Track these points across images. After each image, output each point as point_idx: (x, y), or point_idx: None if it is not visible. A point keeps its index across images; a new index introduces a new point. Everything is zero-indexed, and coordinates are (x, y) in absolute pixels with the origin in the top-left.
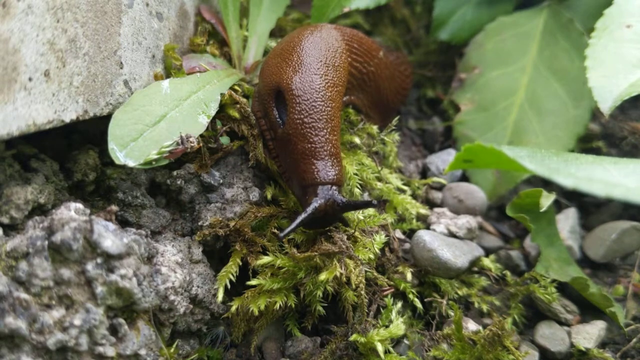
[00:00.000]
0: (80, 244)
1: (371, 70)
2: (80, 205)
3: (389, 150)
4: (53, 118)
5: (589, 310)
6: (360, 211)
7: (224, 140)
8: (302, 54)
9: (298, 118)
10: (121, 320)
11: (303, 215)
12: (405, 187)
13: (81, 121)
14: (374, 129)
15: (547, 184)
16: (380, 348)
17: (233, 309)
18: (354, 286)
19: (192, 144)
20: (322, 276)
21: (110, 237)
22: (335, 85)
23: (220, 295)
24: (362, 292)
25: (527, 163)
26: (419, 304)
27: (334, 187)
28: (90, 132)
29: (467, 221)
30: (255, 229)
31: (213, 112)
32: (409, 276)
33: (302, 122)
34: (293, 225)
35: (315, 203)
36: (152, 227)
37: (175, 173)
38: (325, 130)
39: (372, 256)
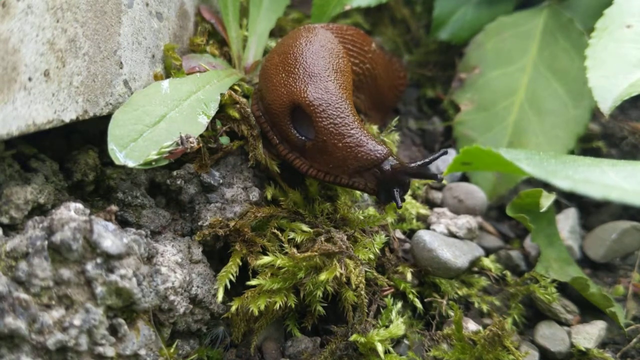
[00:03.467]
0: (80, 244)
1: (367, 67)
2: (80, 205)
3: None
4: (53, 118)
5: (589, 310)
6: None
7: (224, 140)
8: (308, 65)
9: (329, 123)
10: (121, 321)
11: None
12: None
13: (81, 121)
14: (374, 129)
15: (547, 184)
16: (380, 348)
17: (233, 309)
18: (354, 286)
19: (192, 144)
20: (322, 276)
21: (110, 237)
22: (346, 88)
23: (220, 296)
24: (362, 292)
25: (525, 165)
26: (419, 304)
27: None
28: (90, 132)
29: (467, 221)
30: (255, 229)
31: (213, 112)
32: (409, 276)
33: (334, 125)
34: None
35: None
36: (152, 227)
37: (175, 173)
38: (355, 123)
39: (372, 256)
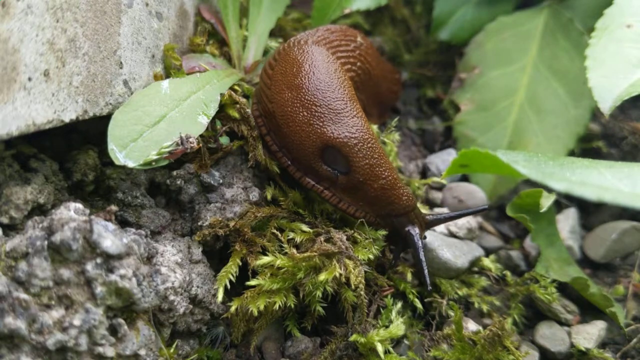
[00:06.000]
0: (79, 244)
1: (359, 65)
2: (79, 205)
3: (389, 150)
4: (52, 118)
5: (589, 311)
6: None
7: (224, 140)
8: (328, 101)
9: (366, 163)
10: (121, 321)
11: (421, 254)
12: None
13: (81, 121)
14: (374, 128)
15: None
16: (380, 348)
17: (232, 309)
18: (353, 286)
19: (191, 144)
20: (322, 276)
21: (109, 237)
22: (363, 116)
23: (220, 296)
24: (362, 293)
25: (521, 168)
26: (419, 304)
27: (416, 210)
28: (90, 132)
29: (467, 221)
30: (255, 229)
31: (213, 112)
32: (409, 276)
33: (370, 166)
34: (427, 278)
35: (416, 236)
36: (151, 227)
37: (175, 173)
38: (387, 163)
39: (371, 257)
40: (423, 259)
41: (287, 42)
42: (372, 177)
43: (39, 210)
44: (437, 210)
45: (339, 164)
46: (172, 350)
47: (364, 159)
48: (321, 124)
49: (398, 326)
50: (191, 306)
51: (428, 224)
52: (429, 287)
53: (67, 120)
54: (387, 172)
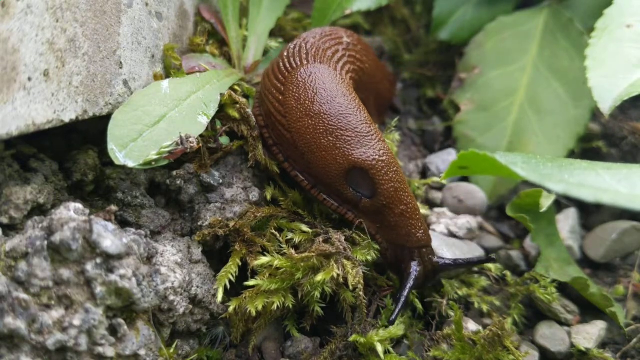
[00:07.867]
0: (79, 244)
1: (353, 68)
2: (79, 205)
3: None
4: (52, 118)
5: (589, 311)
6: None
7: (224, 140)
8: (352, 125)
9: (391, 186)
10: (120, 321)
11: (405, 293)
12: None
13: (81, 121)
14: None
15: None
16: (380, 348)
17: (231, 309)
18: (351, 287)
19: (191, 144)
20: (319, 277)
21: (109, 237)
22: (385, 140)
23: (219, 296)
24: (360, 293)
25: (520, 170)
26: (419, 304)
27: (429, 248)
28: (90, 132)
29: (467, 221)
30: (255, 229)
31: (213, 112)
32: None
33: (395, 189)
34: (402, 302)
35: (414, 273)
36: (151, 227)
37: (174, 173)
38: (409, 188)
39: (369, 258)
40: (404, 297)
41: (286, 59)
42: (396, 201)
43: (39, 210)
44: (436, 210)
45: (362, 186)
46: (172, 350)
47: (389, 182)
48: (349, 147)
49: (398, 326)
50: (191, 306)
51: (436, 268)
52: (393, 318)
53: (67, 120)
54: (410, 198)
